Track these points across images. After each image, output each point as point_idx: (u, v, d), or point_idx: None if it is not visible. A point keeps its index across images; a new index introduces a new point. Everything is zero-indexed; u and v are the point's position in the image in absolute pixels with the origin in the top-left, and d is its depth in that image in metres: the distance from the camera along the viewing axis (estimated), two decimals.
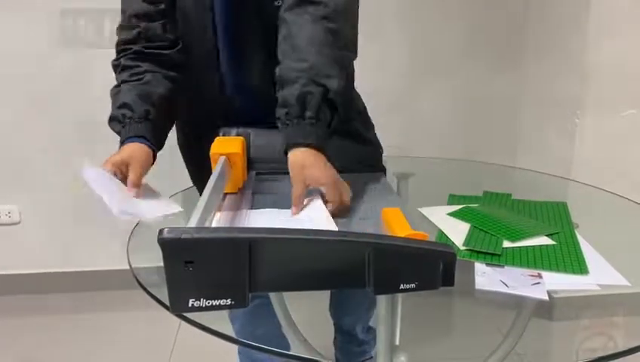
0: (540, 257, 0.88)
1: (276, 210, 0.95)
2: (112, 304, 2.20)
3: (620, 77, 1.91)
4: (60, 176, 2.14)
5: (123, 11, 1.11)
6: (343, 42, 0.99)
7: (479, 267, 0.87)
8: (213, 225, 0.88)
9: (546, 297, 0.78)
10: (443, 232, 0.99)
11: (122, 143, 1.03)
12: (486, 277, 0.83)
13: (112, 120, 1.07)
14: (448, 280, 0.78)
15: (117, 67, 1.12)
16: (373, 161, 1.24)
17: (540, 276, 0.84)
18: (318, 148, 0.93)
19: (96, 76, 2.01)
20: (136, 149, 1.01)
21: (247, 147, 1.17)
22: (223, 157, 0.98)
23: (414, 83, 2.17)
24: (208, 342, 1.25)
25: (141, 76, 1.09)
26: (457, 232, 0.98)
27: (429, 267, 0.76)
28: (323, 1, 0.96)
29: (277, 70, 0.99)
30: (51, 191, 2.18)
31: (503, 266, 0.87)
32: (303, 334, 1.26)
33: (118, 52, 1.13)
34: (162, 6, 1.09)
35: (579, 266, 0.86)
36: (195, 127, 1.23)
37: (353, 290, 1.54)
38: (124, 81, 1.09)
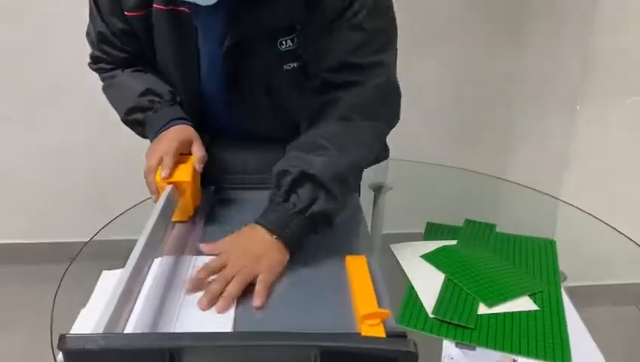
0: (518, 337, 0.78)
1: None
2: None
3: (626, 64, 1.74)
4: (25, 143, 2.01)
5: (91, 30, 0.98)
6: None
7: (447, 348, 0.76)
8: (148, 280, 0.76)
9: None
10: (413, 289, 0.88)
11: (158, 130, 0.90)
12: None
13: (133, 111, 0.93)
14: None
15: (103, 70, 1.00)
16: None
17: None
18: (276, 234, 0.78)
19: (59, 41, 1.84)
20: (187, 128, 0.90)
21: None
22: (169, 187, 0.85)
23: (405, 57, 1.99)
24: None
25: (143, 70, 0.98)
26: (429, 289, 0.87)
27: None
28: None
29: None
30: (15, 159, 2.05)
31: (474, 348, 0.76)
32: None
33: (91, 57, 1.01)
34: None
35: (561, 352, 0.75)
36: None
37: None
38: (127, 75, 0.97)
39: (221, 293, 0.72)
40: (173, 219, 0.87)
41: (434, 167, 1.36)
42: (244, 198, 1.00)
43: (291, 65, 0.88)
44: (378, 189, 1.24)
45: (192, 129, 0.91)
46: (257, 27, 0.85)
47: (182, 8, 0.86)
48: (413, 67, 2.00)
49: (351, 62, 0.85)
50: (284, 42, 0.86)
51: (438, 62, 2.00)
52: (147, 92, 0.92)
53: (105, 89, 1.01)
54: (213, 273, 0.74)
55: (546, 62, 1.90)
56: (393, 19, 0.89)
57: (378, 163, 1.14)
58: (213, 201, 0.98)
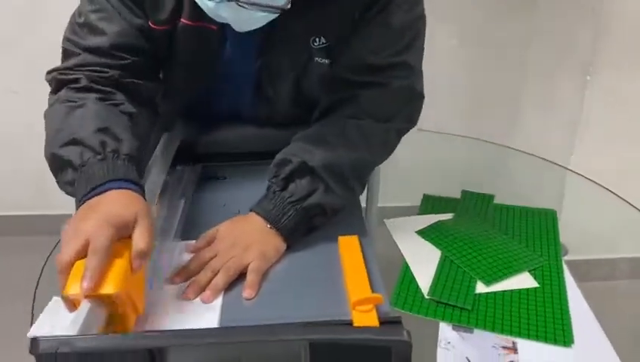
0: (518, 318, 0.75)
1: None
2: None
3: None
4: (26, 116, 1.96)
5: (100, 32, 0.77)
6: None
7: (444, 331, 0.73)
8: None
9: None
10: (409, 268, 0.84)
11: (92, 191, 0.64)
12: (450, 351, 0.70)
13: (73, 143, 0.68)
14: None
15: (71, 82, 0.76)
16: None
17: (514, 348, 0.70)
18: (270, 223, 0.74)
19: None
20: (133, 200, 0.64)
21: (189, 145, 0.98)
22: (86, 303, 0.56)
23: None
24: None
25: (119, 102, 0.76)
26: (425, 268, 0.83)
27: (379, 356, 0.63)
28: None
29: None
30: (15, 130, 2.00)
31: (471, 331, 0.73)
32: None
33: (75, 66, 0.77)
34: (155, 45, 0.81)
35: (562, 333, 0.72)
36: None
37: None
38: (94, 99, 0.74)
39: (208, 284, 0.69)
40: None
41: (434, 135, 1.32)
42: (234, 176, 0.95)
43: (323, 60, 0.83)
44: None
45: (140, 201, 0.64)
46: (294, 38, 0.81)
47: (210, 26, 0.79)
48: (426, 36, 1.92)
49: (373, 63, 0.80)
50: (317, 40, 0.81)
51: (444, 27, 1.91)
52: (104, 131, 0.69)
53: (56, 110, 0.74)
54: (204, 264, 0.71)
55: (557, 29, 1.82)
56: (422, 16, 0.84)
57: None
58: (199, 180, 0.94)
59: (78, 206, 0.64)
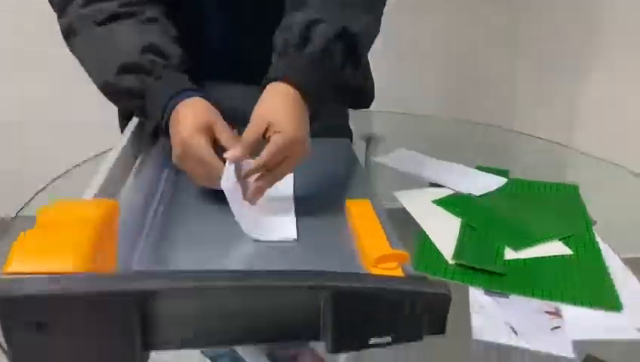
0: (555, 283, 0.65)
1: None
2: None
3: None
4: None
5: None
6: None
7: (475, 295, 0.64)
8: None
9: (571, 354, 0.56)
10: (427, 236, 0.75)
11: (165, 106, 0.65)
12: (485, 317, 0.60)
13: (126, 71, 0.68)
14: (437, 326, 0.55)
15: (94, 14, 0.72)
16: (341, 122, 0.96)
17: (558, 313, 0.61)
18: (308, 93, 0.63)
19: None
20: (207, 108, 0.65)
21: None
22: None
23: (405, 15, 1.84)
24: None
25: (144, 17, 0.72)
26: (445, 235, 0.74)
27: (411, 313, 0.53)
28: None
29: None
30: None
31: (507, 296, 0.64)
32: None
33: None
34: None
35: (609, 297, 0.63)
36: None
37: None
38: (121, 15, 0.71)
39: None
40: None
41: (436, 119, 1.26)
42: None
43: None
44: (369, 140, 1.11)
45: (212, 107, 0.66)
46: None
47: None
48: (417, 20, 1.87)
49: None
50: None
51: (443, 15, 1.86)
52: (150, 48, 0.69)
53: (79, 43, 0.73)
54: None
55: (548, 33, 1.79)
56: None
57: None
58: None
59: (151, 126, 0.69)
